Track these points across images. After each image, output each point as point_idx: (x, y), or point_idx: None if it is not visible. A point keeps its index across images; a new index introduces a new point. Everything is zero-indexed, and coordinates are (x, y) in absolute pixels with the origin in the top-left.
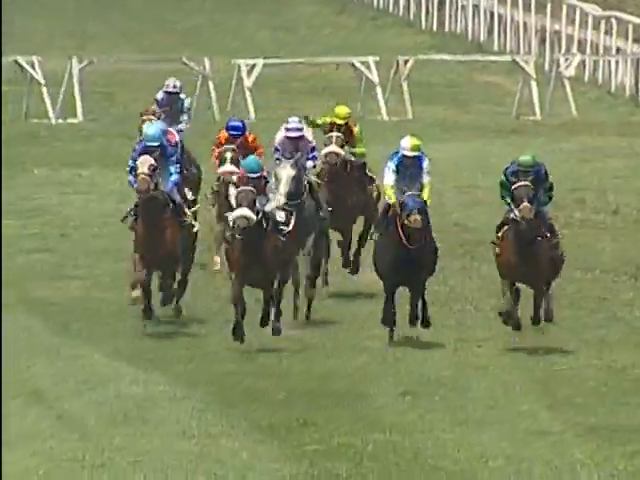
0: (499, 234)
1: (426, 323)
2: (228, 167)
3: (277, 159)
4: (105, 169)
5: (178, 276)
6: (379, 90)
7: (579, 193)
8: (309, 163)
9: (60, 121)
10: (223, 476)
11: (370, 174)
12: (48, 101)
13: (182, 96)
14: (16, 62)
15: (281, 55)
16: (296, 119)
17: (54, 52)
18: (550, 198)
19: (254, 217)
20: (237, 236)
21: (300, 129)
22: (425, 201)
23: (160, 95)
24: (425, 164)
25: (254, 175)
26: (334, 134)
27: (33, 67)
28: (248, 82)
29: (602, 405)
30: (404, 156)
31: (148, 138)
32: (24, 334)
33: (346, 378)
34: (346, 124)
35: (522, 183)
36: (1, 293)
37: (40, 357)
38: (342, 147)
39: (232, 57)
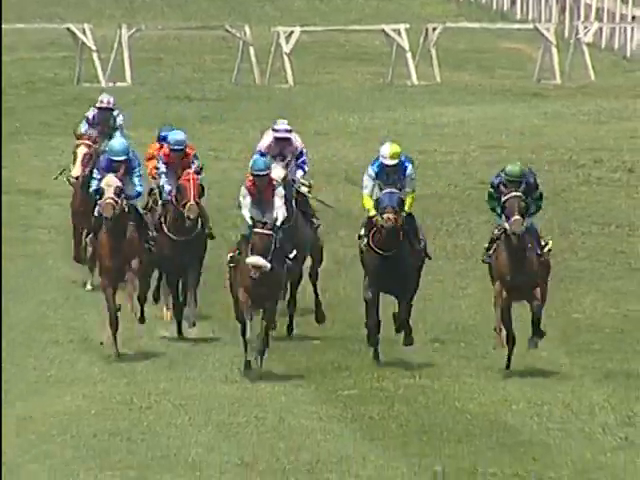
0: (490, 252)
1: (408, 341)
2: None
3: None
4: (152, 130)
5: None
6: (409, 56)
7: (596, 153)
8: (299, 173)
9: (110, 85)
10: (263, 418)
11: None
12: (99, 66)
13: (115, 112)
14: (68, 29)
15: (317, 23)
16: (284, 121)
17: (104, 20)
18: (539, 208)
19: (268, 266)
20: (252, 276)
21: (288, 131)
22: (401, 197)
23: (92, 112)
24: (409, 171)
25: (262, 173)
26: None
27: (85, 34)
28: (286, 48)
29: (618, 351)
30: (384, 165)
31: (114, 153)
32: (73, 286)
33: None
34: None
35: (513, 194)
36: (1, 297)
37: (90, 307)
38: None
39: (271, 25)
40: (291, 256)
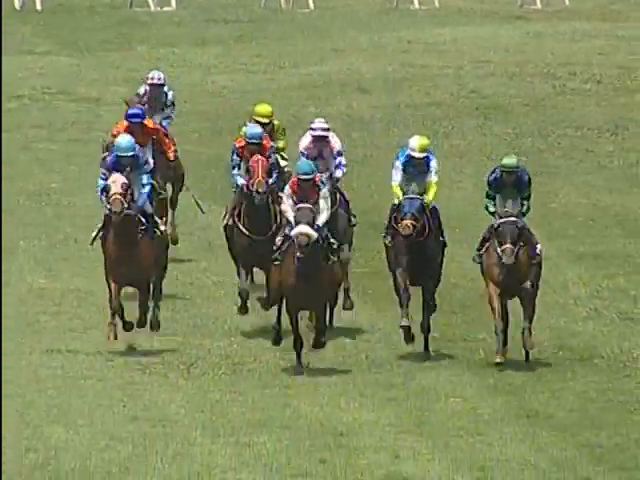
0: (481, 251)
1: (427, 329)
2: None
3: None
4: (194, 47)
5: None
6: None
7: (570, 67)
8: (338, 172)
9: (158, 9)
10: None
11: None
12: None
13: (166, 89)
14: None
15: None
16: (322, 120)
17: None
18: (528, 208)
19: (315, 234)
20: (298, 254)
21: (326, 129)
22: (423, 203)
23: (143, 89)
24: (433, 163)
25: (307, 177)
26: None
27: None
28: None
29: (588, 236)
30: (411, 156)
31: (120, 149)
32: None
33: None
34: (269, 122)
35: (509, 219)
36: (2, 289)
37: None
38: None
39: None
40: (334, 246)
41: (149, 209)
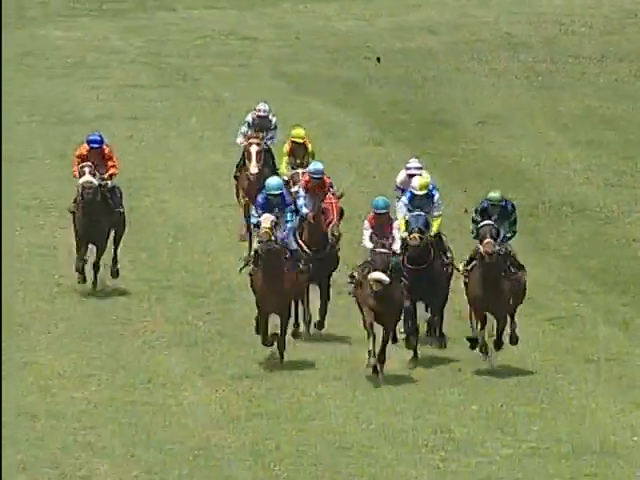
0: (468, 267)
1: (440, 337)
2: (87, 177)
3: (398, 197)
4: (319, 3)
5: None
6: None
7: (571, 17)
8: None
9: None
10: None
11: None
12: None
13: (270, 116)
14: None
15: None
16: (416, 160)
17: None
18: (514, 232)
19: (387, 280)
20: (375, 290)
21: (420, 168)
22: (427, 217)
23: (251, 117)
24: (436, 198)
25: (382, 212)
26: (300, 171)
27: None
28: None
29: (583, 129)
30: (414, 194)
31: (270, 188)
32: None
33: None
34: (303, 142)
35: (486, 222)
36: (1, 286)
37: None
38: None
39: None
40: (405, 281)
41: (293, 245)
